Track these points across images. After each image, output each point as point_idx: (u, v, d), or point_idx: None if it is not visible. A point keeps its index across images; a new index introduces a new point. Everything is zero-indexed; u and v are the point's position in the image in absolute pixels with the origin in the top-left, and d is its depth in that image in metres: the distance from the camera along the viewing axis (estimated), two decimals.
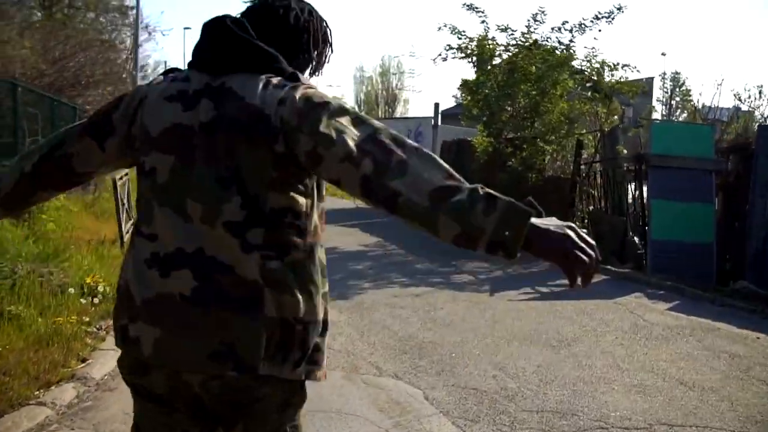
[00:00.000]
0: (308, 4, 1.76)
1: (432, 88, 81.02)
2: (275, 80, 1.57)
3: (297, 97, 1.53)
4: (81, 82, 15.44)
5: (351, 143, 1.47)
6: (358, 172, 1.45)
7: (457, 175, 1.45)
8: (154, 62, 40.15)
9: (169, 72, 1.71)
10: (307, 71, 1.78)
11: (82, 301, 5.88)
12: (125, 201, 9.86)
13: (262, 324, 1.53)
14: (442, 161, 1.48)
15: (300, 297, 1.57)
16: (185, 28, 57.52)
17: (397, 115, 48.32)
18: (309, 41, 1.73)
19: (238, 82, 1.56)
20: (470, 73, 14.03)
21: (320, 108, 1.52)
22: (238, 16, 1.69)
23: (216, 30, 1.63)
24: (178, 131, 1.57)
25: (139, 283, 1.59)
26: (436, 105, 18.85)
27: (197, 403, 1.62)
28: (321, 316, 1.65)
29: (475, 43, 13.12)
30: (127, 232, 9.82)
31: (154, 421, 1.70)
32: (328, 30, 1.79)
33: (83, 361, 4.82)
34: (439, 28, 13.57)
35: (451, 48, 13.45)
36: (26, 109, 10.24)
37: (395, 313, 6.65)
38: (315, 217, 1.64)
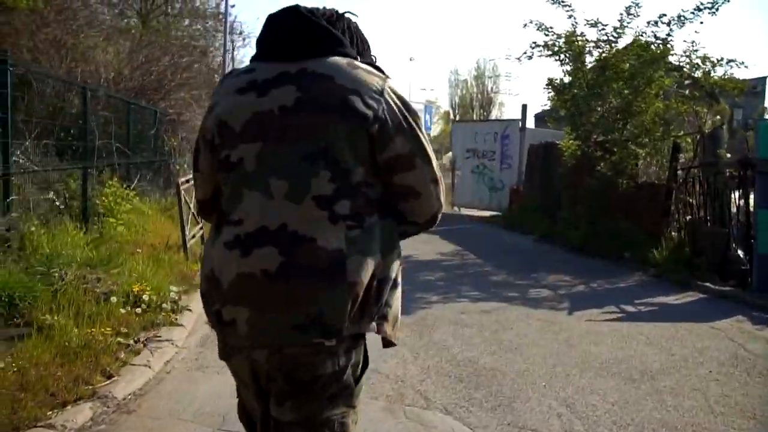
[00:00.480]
0: (349, 18, 1.88)
1: (529, 90, 79.13)
2: (363, 65, 1.70)
3: (395, 95, 1.70)
4: (164, 85, 15.60)
5: (436, 167, 1.75)
6: (439, 200, 1.78)
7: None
8: None
9: (230, 73, 1.84)
10: None
11: (122, 311, 5.59)
12: (191, 205, 9.67)
13: (346, 290, 1.61)
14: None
15: (376, 257, 1.67)
16: None
17: (492, 118, 47.39)
18: (359, 45, 1.84)
19: (321, 66, 1.66)
20: (560, 73, 13.16)
21: (414, 115, 1.72)
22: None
23: (291, 18, 1.71)
24: (258, 119, 1.66)
25: (222, 266, 1.67)
26: (524, 107, 17.98)
27: (266, 380, 1.72)
28: (393, 273, 1.76)
29: (562, 39, 12.29)
30: (193, 237, 9.63)
31: (245, 390, 1.86)
32: (367, 41, 1.91)
33: (109, 377, 4.49)
34: (525, 25, 12.83)
35: (537, 45, 12.68)
36: (98, 112, 10.26)
37: (459, 332, 6.04)
38: (379, 184, 1.73)
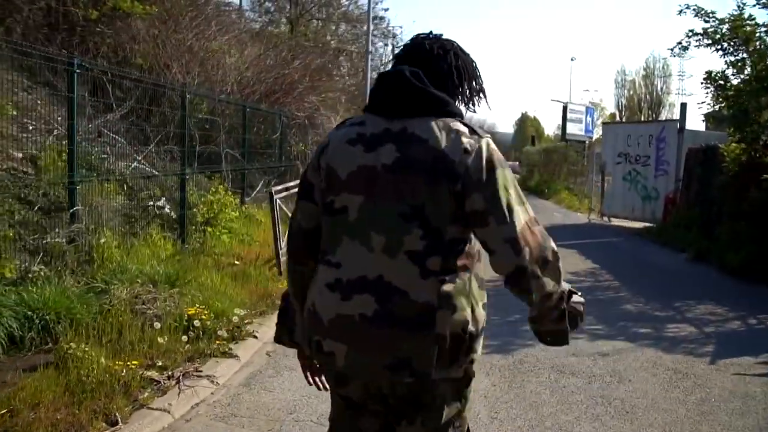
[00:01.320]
0: (455, 43, 1.96)
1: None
2: (457, 127, 1.79)
3: (483, 153, 1.76)
4: (295, 89, 15.32)
5: (517, 227, 1.74)
6: (515, 260, 1.73)
7: (563, 284, 1.86)
8: None
9: (344, 122, 1.95)
10: (462, 104, 1.94)
11: (161, 339, 4.96)
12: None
13: (434, 340, 1.75)
14: (561, 266, 1.82)
15: (467, 312, 1.79)
16: None
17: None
18: (463, 78, 1.91)
19: (419, 128, 1.77)
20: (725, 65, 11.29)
21: (498, 173, 1.76)
22: (401, 54, 1.94)
23: (396, 80, 1.84)
24: (363, 172, 1.79)
25: (322, 304, 1.84)
26: (683, 105, 15.81)
27: (385, 402, 1.88)
28: (482, 325, 1.86)
29: (726, 25, 10.51)
30: None
31: (345, 420, 1.99)
32: (475, 64, 1.98)
33: (113, 424, 3.82)
34: (681, 11, 11.14)
35: (695, 34, 10.96)
36: (195, 116, 10.01)
37: (559, 383, 4.86)
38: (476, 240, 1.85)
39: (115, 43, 10.71)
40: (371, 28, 39.86)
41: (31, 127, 9.31)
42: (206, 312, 5.57)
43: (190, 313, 5.48)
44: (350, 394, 1.92)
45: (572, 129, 33.17)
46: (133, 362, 4.49)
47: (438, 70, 1.86)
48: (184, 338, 5.14)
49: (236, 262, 8.35)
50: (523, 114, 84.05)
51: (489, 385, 4.75)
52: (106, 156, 9.79)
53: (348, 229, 1.80)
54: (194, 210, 8.90)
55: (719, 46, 10.72)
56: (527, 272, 1.73)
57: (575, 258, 11.16)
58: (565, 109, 34.05)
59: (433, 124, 1.77)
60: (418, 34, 1.95)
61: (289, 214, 9.10)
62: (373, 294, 1.75)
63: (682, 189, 14.31)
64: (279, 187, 8.47)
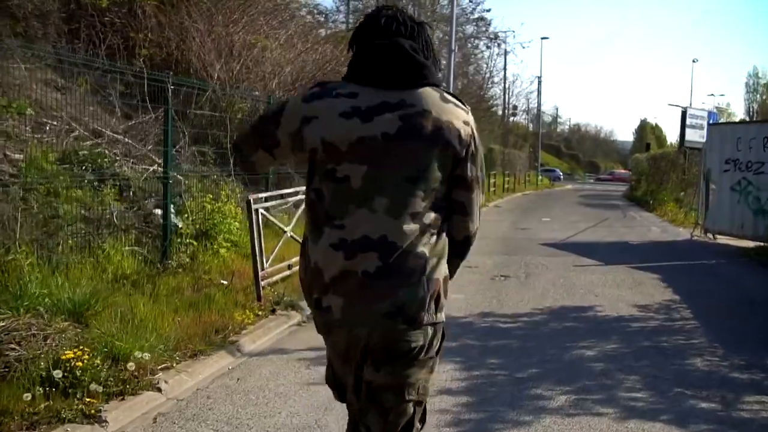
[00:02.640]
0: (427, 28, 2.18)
1: None
2: (450, 98, 2.02)
3: (473, 126, 2.05)
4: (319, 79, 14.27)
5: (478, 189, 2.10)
6: (472, 227, 2.14)
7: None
8: (512, 75, 38.55)
9: (318, 86, 2.04)
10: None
11: None
12: (288, 230, 7.54)
13: (424, 287, 1.96)
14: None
15: (444, 260, 2.03)
16: (542, 38, 57.37)
17: None
18: (432, 53, 2.09)
19: (418, 99, 1.95)
20: None
21: (479, 146, 2.09)
22: (389, 26, 2.03)
23: (395, 53, 1.97)
24: (363, 143, 1.93)
25: (326, 262, 1.96)
26: None
27: (364, 351, 2.02)
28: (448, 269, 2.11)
29: None
30: (288, 268, 7.54)
31: (338, 361, 2.17)
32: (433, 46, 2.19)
33: None
34: None
35: None
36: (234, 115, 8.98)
37: None
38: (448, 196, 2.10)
39: (124, 35, 9.79)
40: (473, 30, 38.13)
41: (48, 128, 8.51)
42: (87, 356, 4.24)
43: (66, 356, 4.17)
44: (335, 341, 2.08)
45: (692, 136, 30.15)
46: None
47: (424, 43, 2.03)
48: (27, 396, 3.81)
49: (223, 282, 7.05)
50: (642, 121, 79.52)
51: None
52: (118, 159, 8.92)
53: (352, 197, 1.93)
54: (178, 220, 7.65)
55: None
56: (474, 237, 2.17)
57: (654, 285, 9.12)
58: (684, 114, 31.11)
59: (430, 95, 1.96)
60: (385, 9, 2.08)
61: (281, 226, 7.72)
62: (376, 251, 1.91)
63: None
64: (263, 195, 7.06)
